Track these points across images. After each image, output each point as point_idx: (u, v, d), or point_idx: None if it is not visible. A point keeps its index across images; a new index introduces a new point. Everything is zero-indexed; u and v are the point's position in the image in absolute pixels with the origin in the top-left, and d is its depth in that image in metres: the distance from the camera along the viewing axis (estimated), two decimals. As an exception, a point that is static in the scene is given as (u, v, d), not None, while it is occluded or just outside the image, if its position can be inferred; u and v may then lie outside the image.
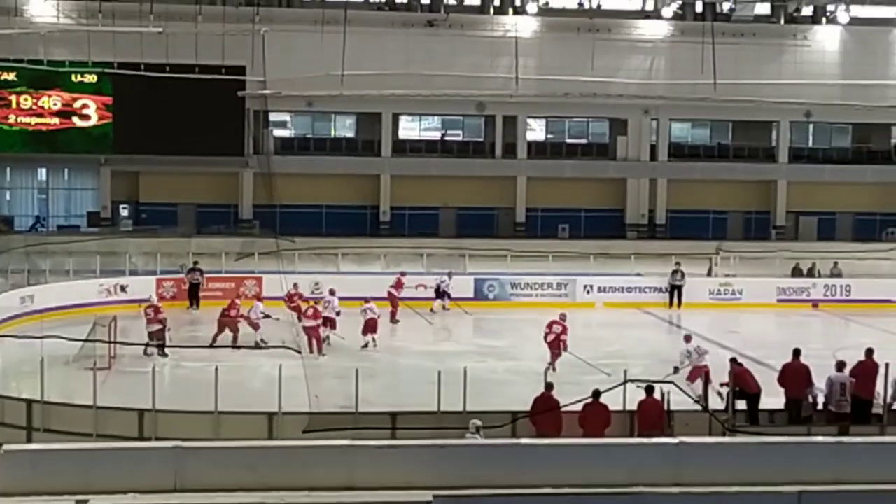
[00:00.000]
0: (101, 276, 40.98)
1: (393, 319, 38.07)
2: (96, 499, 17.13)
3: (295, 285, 38.22)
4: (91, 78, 57.67)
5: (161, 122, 56.36)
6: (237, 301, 34.99)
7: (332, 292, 34.67)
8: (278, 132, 62.80)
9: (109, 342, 29.74)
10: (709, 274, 47.46)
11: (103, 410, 22.45)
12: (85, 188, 61.56)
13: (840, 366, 23.26)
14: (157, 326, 31.65)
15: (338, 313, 34.09)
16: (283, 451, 19.09)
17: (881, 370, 22.54)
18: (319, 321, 32.74)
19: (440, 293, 41.12)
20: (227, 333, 32.91)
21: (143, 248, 47.71)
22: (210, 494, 17.75)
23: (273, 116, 61.71)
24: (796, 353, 23.80)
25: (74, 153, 58.78)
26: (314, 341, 32.44)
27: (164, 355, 30.92)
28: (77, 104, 58.17)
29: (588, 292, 43.78)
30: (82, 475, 17.68)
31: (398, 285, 39.57)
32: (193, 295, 41.15)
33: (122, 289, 39.76)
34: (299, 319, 34.82)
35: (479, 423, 20.75)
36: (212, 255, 46.31)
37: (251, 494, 17.81)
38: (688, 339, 28.25)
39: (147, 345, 31.15)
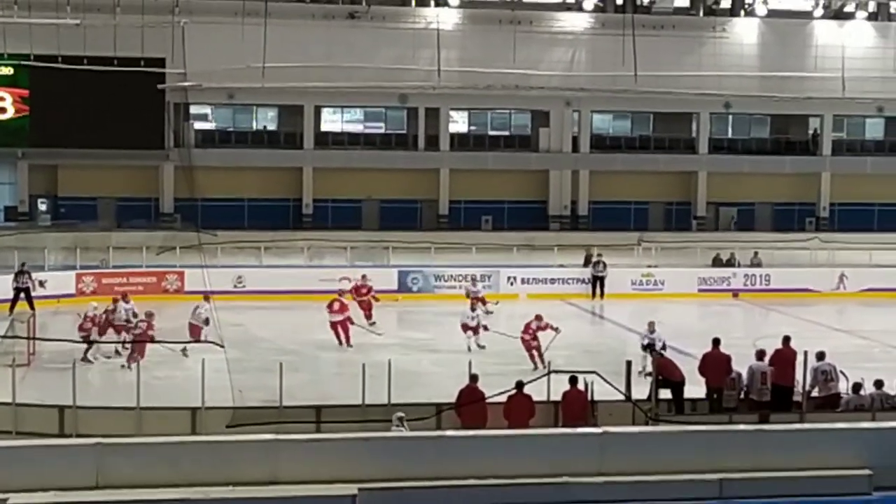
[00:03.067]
0: (19, 272, 40.32)
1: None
2: (16, 496, 16.93)
3: (363, 276, 37.55)
4: (7, 70, 56.91)
5: (79, 115, 55.72)
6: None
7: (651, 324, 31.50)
8: (199, 125, 62.33)
9: (28, 338, 29.30)
10: None
11: (22, 407, 22.12)
12: (1, 182, 60.69)
13: (760, 355, 23.54)
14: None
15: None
16: (205, 446, 18.99)
17: (799, 358, 22.83)
18: (347, 314, 32.81)
19: (477, 300, 37.16)
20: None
21: (62, 242, 47.09)
22: (132, 491, 17.60)
23: (194, 109, 61.26)
24: (716, 342, 24.04)
25: (-9, 147, 57.91)
26: (342, 334, 32.55)
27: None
28: (-8, 97, 57.33)
29: (511, 284, 43.89)
30: (2, 473, 17.46)
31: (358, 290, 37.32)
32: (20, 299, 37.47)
33: (41, 284, 39.11)
34: (369, 317, 35.12)
35: (402, 414, 20.71)
36: (133, 249, 45.82)
37: (174, 490, 17.68)
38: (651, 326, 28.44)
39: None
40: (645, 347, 27.40)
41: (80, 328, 30.10)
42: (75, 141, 56.24)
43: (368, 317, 35.68)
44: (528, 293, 43.28)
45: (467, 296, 37.65)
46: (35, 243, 47.02)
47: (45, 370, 28.50)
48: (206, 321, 31.12)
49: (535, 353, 29.64)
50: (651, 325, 28.32)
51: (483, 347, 31.50)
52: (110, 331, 30.91)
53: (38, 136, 57.13)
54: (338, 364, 29.88)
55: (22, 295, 37.28)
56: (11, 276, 37.82)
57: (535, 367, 28.60)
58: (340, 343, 32.59)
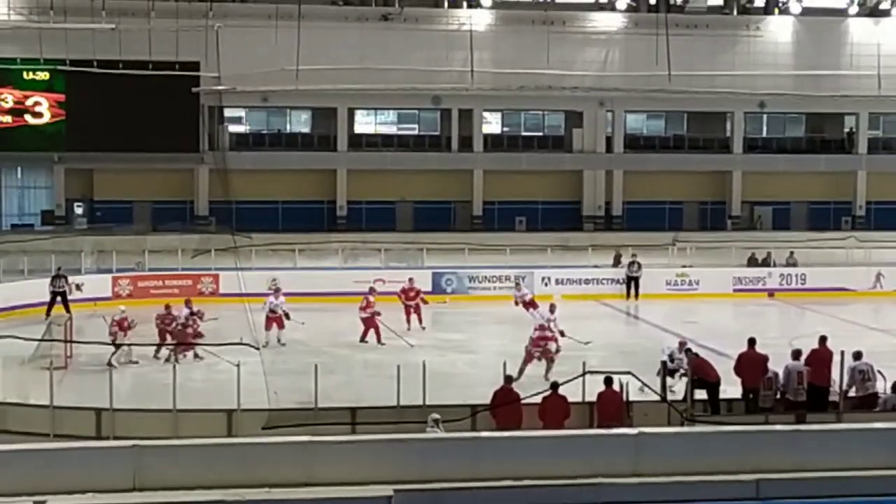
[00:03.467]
0: (56, 275, 40.62)
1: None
2: (54, 499, 17.01)
3: (410, 280, 37.27)
4: (43, 75, 57.28)
5: (115, 118, 56.05)
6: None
7: (552, 309, 32.20)
8: (233, 128, 62.58)
9: (65, 341, 29.48)
10: None
11: (60, 410, 22.24)
12: (38, 186, 61.11)
13: (796, 354, 23.40)
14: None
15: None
16: (241, 447, 19.03)
17: (836, 358, 22.69)
18: (372, 310, 33.16)
19: (529, 304, 37.27)
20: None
21: (98, 246, 47.39)
22: (169, 493, 17.66)
23: (228, 112, 61.48)
24: (751, 342, 23.92)
25: (27, 151, 58.30)
26: (371, 330, 32.94)
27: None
28: (29, 102, 57.77)
29: (546, 285, 43.76)
30: (40, 475, 17.56)
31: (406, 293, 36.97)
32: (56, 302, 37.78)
33: (78, 287, 39.38)
34: (415, 316, 35.62)
35: (437, 416, 20.71)
36: (168, 252, 46.10)
37: (210, 492, 17.73)
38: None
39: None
40: (665, 367, 25.25)
41: (109, 332, 30.34)
42: (111, 145, 56.59)
43: (420, 319, 36.00)
44: (563, 294, 43.05)
45: (516, 304, 37.54)
46: (71, 247, 47.37)
47: (82, 373, 28.73)
48: (287, 315, 32.96)
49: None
50: (682, 345, 26.38)
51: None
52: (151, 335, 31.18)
53: (75, 141, 57.49)
54: (373, 365, 29.89)
55: (58, 299, 37.47)
56: (48, 280, 38.03)
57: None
58: (365, 341, 32.97)
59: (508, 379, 22.68)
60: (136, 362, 30.11)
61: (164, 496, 17.60)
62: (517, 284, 39.69)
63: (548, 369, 27.86)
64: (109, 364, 29.15)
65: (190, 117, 58.31)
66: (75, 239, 51.24)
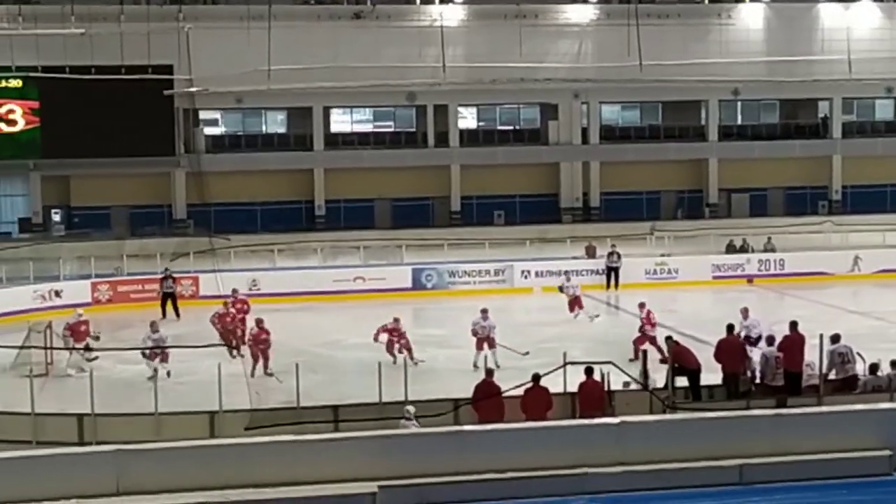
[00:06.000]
0: (34, 283, 40.55)
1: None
2: (38, 506, 17.01)
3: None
4: (16, 83, 56.98)
5: (89, 124, 55.79)
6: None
7: (483, 312, 30.76)
8: (209, 130, 62.41)
9: (45, 348, 29.39)
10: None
11: (42, 417, 22.20)
12: (15, 194, 60.75)
13: (770, 340, 23.55)
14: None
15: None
16: (225, 449, 19.06)
17: (815, 341, 22.78)
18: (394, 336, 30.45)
19: (576, 300, 37.29)
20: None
21: (76, 252, 47.26)
22: (153, 496, 17.67)
23: (203, 115, 61.36)
24: (730, 328, 24.08)
25: (2, 159, 58.01)
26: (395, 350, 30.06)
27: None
28: (2, 109, 57.49)
29: (526, 277, 43.94)
30: (23, 483, 17.55)
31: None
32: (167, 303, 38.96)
33: (57, 294, 39.37)
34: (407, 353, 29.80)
35: (412, 409, 20.75)
36: (147, 256, 46.00)
37: (195, 494, 17.76)
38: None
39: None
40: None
41: (62, 335, 30.31)
42: (86, 151, 56.31)
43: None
44: (543, 286, 43.25)
45: (561, 290, 37.93)
46: (50, 254, 47.26)
47: (63, 379, 28.65)
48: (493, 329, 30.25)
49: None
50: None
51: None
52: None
53: (50, 148, 57.23)
54: (354, 363, 29.88)
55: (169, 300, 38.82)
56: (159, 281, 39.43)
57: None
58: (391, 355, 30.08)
59: (489, 372, 22.75)
60: (96, 357, 29.56)
61: (147, 500, 17.61)
62: (567, 276, 39.80)
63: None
64: (67, 373, 29.15)
65: (165, 121, 58.10)
66: (53, 246, 51.15)
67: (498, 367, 26.26)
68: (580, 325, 34.05)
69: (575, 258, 46.06)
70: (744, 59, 61.76)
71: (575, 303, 37.02)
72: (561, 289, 38.21)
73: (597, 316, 36.58)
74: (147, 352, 28.72)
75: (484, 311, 30.38)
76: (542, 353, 28.94)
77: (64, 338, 30.21)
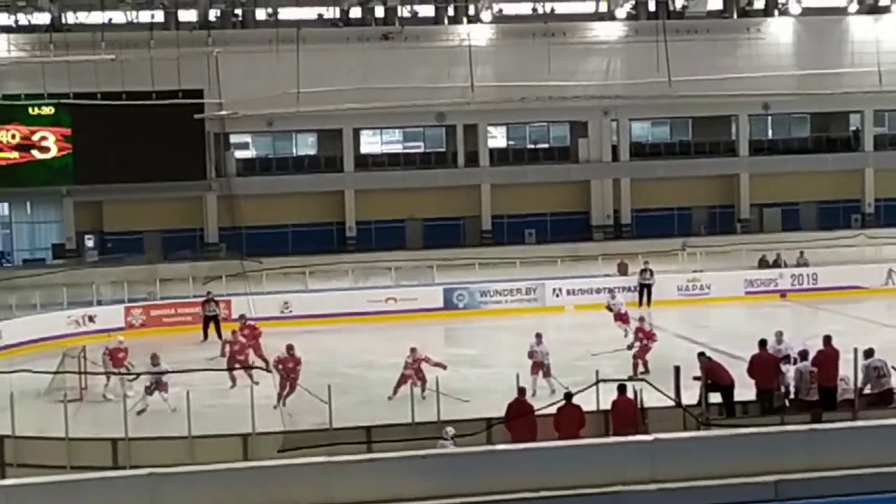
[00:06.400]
0: (68, 308, 40.83)
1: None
2: (73, 531, 17.06)
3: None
4: (48, 110, 57.37)
5: (121, 150, 56.07)
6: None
7: (538, 336, 30.33)
8: (240, 154, 62.61)
9: (80, 373, 29.56)
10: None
11: (76, 441, 22.33)
12: (48, 221, 61.14)
13: (804, 354, 23.42)
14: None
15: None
16: (258, 471, 19.05)
17: (849, 356, 22.64)
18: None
19: (621, 316, 36.87)
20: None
21: (109, 277, 47.60)
22: (187, 519, 17.71)
23: (234, 138, 61.54)
24: (762, 343, 23.94)
25: (36, 186, 58.42)
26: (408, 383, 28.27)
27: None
28: (35, 137, 57.82)
29: (557, 296, 43.87)
30: (58, 507, 17.61)
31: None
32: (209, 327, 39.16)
33: (91, 319, 39.60)
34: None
35: (452, 430, 20.75)
36: (179, 280, 46.24)
37: (229, 516, 17.78)
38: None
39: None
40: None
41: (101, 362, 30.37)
42: (119, 176, 56.59)
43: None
44: (575, 304, 43.27)
45: (609, 309, 37.61)
46: (83, 279, 47.54)
47: (98, 404, 28.79)
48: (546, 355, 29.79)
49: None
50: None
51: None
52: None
53: (83, 174, 57.56)
54: (386, 384, 29.79)
55: (211, 323, 38.92)
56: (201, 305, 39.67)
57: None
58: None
59: (521, 391, 22.72)
60: (145, 410, 27.75)
61: (182, 523, 17.64)
62: (612, 293, 39.43)
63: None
64: (104, 397, 29.27)
65: (196, 145, 58.36)
66: (86, 271, 51.42)
67: (553, 392, 26.12)
68: (614, 342, 33.87)
69: (607, 276, 45.98)
70: (773, 73, 61.58)
71: (620, 318, 36.77)
72: (609, 307, 38.04)
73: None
74: (148, 385, 28.39)
75: (538, 336, 29.95)
76: (575, 371, 28.89)
77: (103, 362, 30.33)
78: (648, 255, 46.74)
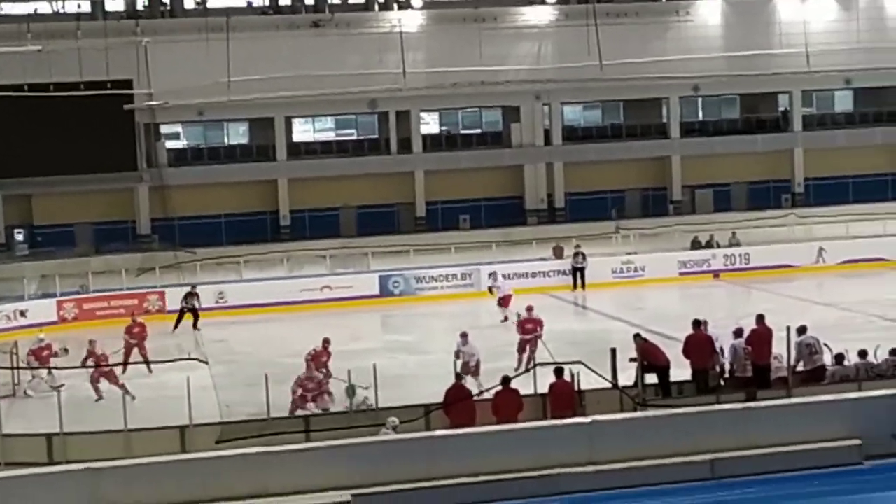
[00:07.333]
0: (-1, 303, 40.30)
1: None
2: (9, 528, 16.88)
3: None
4: (-27, 102, 56.54)
5: (50, 142, 55.42)
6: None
7: (463, 336, 28.19)
8: (171, 144, 62.08)
9: (12, 368, 29.18)
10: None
11: (10, 438, 22.05)
12: (-24, 215, 60.31)
13: (739, 332, 23.64)
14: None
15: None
16: (196, 463, 18.97)
17: (783, 334, 22.88)
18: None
19: (503, 300, 37.59)
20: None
21: (40, 271, 47.00)
22: (125, 513, 17.58)
23: (165, 129, 61.01)
24: (696, 323, 24.10)
25: (-38, 180, 57.59)
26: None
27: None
28: (-39, 130, 57.01)
29: (493, 280, 43.90)
30: (-8, 505, 17.42)
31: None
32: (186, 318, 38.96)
33: (22, 314, 39.13)
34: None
35: (396, 420, 20.71)
36: (112, 272, 45.77)
37: (167, 509, 17.68)
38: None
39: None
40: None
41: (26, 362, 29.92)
42: (48, 169, 55.95)
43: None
44: (512, 289, 43.32)
45: (490, 291, 38.69)
46: (14, 274, 46.94)
47: (31, 399, 28.47)
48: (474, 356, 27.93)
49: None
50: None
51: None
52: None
53: (10, 167, 56.71)
54: (324, 373, 29.79)
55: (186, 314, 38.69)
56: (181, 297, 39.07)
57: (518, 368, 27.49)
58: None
59: (459, 376, 22.74)
60: (62, 385, 27.55)
61: (120, 517, 17.51)
62: (493, 277, 39.89)
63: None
64: (25, 394, 28.88)
65: (126, 136, 57.83)
66: (17, 265, 50.83)
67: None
68: (549, 325, 33.97)
69: (542, 259, 46.15)
70: (703, 55, 61.99)
71: (504, 302, 37.00)
72: (490, 290, 38.36)
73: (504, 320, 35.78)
74: (92, 375, 28.09)
75: (464, 336, 27.82)
76: (511, 356, 29.03)
77: (28, 364, 29.92)
78: (583, 239, 46.99)
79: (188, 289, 39.68)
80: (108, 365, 28.47)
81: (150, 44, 55.01)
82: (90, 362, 28.50)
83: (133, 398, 25.32)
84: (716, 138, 66.26)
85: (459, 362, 26.57)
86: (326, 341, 28.07)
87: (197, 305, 38.99)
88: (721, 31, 64.55)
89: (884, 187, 66.17)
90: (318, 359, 27.51)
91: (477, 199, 63.66)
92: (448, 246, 49.15)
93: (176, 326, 38.48)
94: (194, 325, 38.46)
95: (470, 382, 26.25)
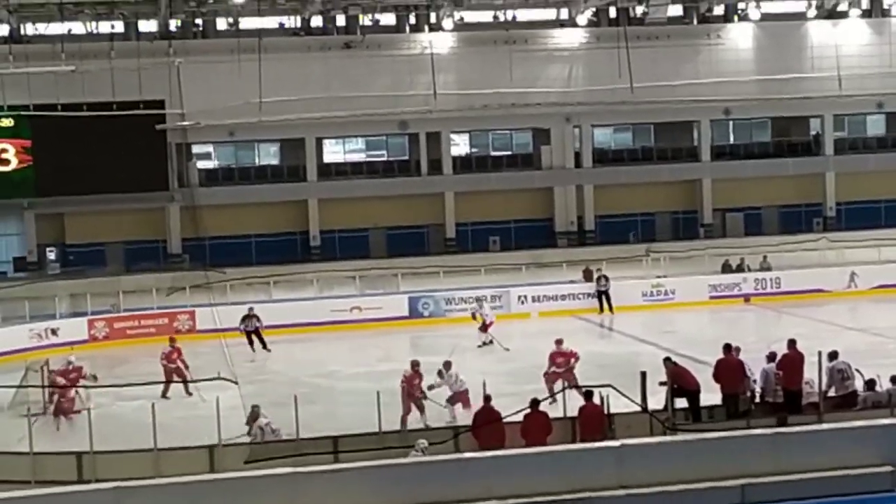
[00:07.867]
0: (30, 321, 40.41)
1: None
2: (38, 546, 16.91)
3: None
4: (8, 122, 57.03)
5: (83, 161, 55.76)
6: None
7: (446, 365, 28.30)
8: (202, 164, 62.40)
9: (43, 386, 29.29)
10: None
11: (40, 456, 22.11)
12: (9, 234, 60.66)
13: (771, 357, 23.49)
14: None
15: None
16: (224, 483, 18.96)
17: (814, 359, 22.74)
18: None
19: (486, 326, 37.96)
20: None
21: (72, 290, 47.19)
22: (153, 533, 17.58)
23: (196, 149, 61.31)
24: (727, 348, 23.97)
25: (-4, 199, 58.01)
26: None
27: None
28: (-5, 149, 57.48)
29: (522, 303, 43.90)
30: (22, 523, 17.46)
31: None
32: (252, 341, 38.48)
33: (54, 332, 39.28)
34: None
35: (425, 443, 20.66)
36: (142, 292, 45.94)
37: (196, 529, 17.66)
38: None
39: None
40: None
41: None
42: (80, 188, 56.29)
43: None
44: (540, 311, 43.37)
45: (473, 317, 38.70)
46: (45, 292, 47.06)
47: (61, 418, 28.51)
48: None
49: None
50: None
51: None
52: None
53: (43, 186, 57.19)
54: (352, 394, 29.80)
55: (253, 337, 38.09)
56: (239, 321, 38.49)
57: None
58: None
59: (488, 398, 22.67)
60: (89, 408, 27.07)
61: (148, 536, 17.52)
62: (479, 301, 39.90)
63: None
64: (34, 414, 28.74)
65: (158, 156, 58.13)
66: (49, 284, 51.03)
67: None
68: (578, 348, 33.88)
69: (572, 282, 46.06)
70: (734, 78, 62.02)
71: (485, 328, 37.35)
72: (474, 315, 38.32)
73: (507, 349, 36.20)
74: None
75: (447, 365, 27.42)
76: (541, 379, 28.90)
77: (52, 382, 29.94)
78: (612, 261, 46.91)
79: (245, 311, 38.79)
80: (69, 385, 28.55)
81: (183, 64, 55.37)
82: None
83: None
84: (747, 162, 66.11)
85: (447, 392, 26.53)
86: (415, 364, 27.54)
87: (259, 326, 38.20)
88: (752, 54, 64.45)
89: (916, 212, 65.84)
90: (411, 382, 26.94)
91: (507, 220, 63.66)
92: (478, 268, 49.11)
93: (253, 349, 37.80)
94: (263, 346, 37.71)
95: (460, 413, 26.03)
